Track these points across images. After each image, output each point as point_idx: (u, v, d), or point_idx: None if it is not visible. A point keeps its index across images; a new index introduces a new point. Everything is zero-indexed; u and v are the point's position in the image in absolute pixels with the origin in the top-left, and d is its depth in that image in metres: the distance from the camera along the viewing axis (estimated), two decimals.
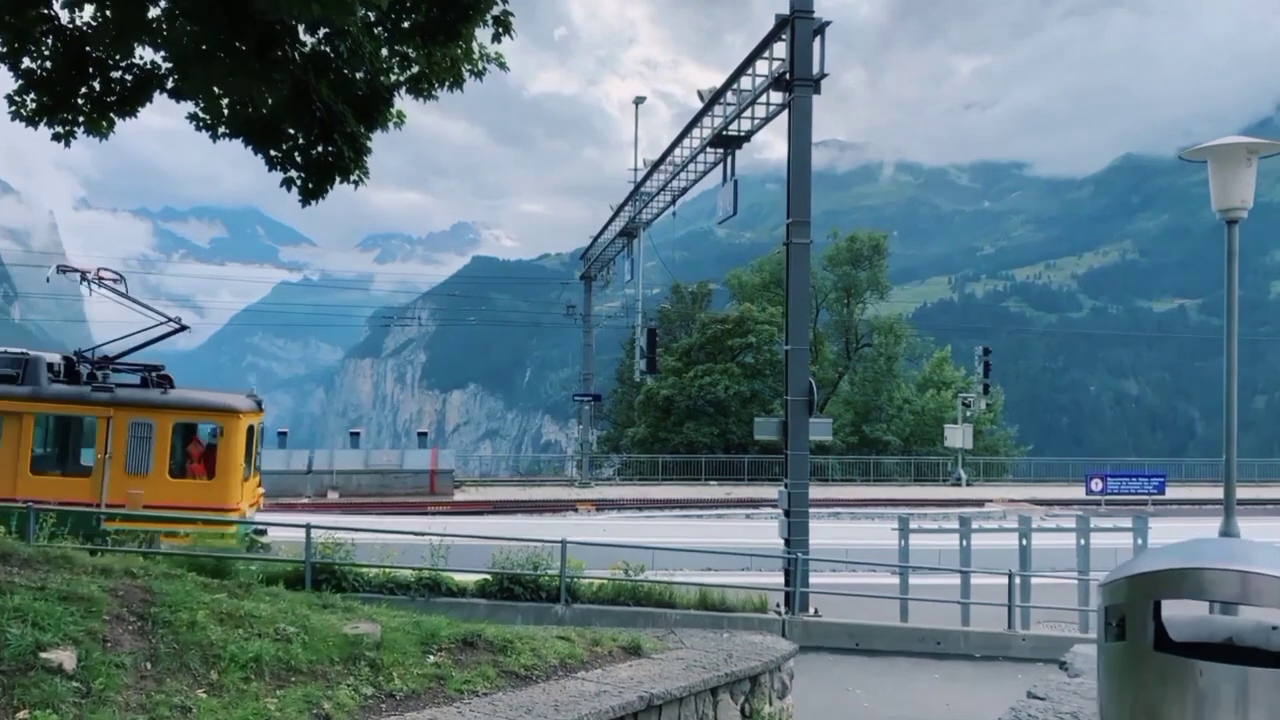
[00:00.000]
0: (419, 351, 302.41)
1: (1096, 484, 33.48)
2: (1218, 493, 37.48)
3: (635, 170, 26.01)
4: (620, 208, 26.92)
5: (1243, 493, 37.10)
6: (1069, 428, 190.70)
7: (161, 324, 17.18)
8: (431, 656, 6.15)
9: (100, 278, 17.01)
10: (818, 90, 13.31)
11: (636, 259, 27.07)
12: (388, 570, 12.19)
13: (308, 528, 11.95)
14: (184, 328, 17.58)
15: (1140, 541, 13.68)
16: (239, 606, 5.78)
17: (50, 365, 16.34)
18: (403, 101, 10.00)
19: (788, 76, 13.33)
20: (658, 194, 23.34)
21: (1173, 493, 34.91)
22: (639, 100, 30.38)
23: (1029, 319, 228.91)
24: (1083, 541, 13.59)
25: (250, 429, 16.27)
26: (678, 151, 20.61)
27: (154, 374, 16.70)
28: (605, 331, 51.53)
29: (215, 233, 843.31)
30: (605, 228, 29.58)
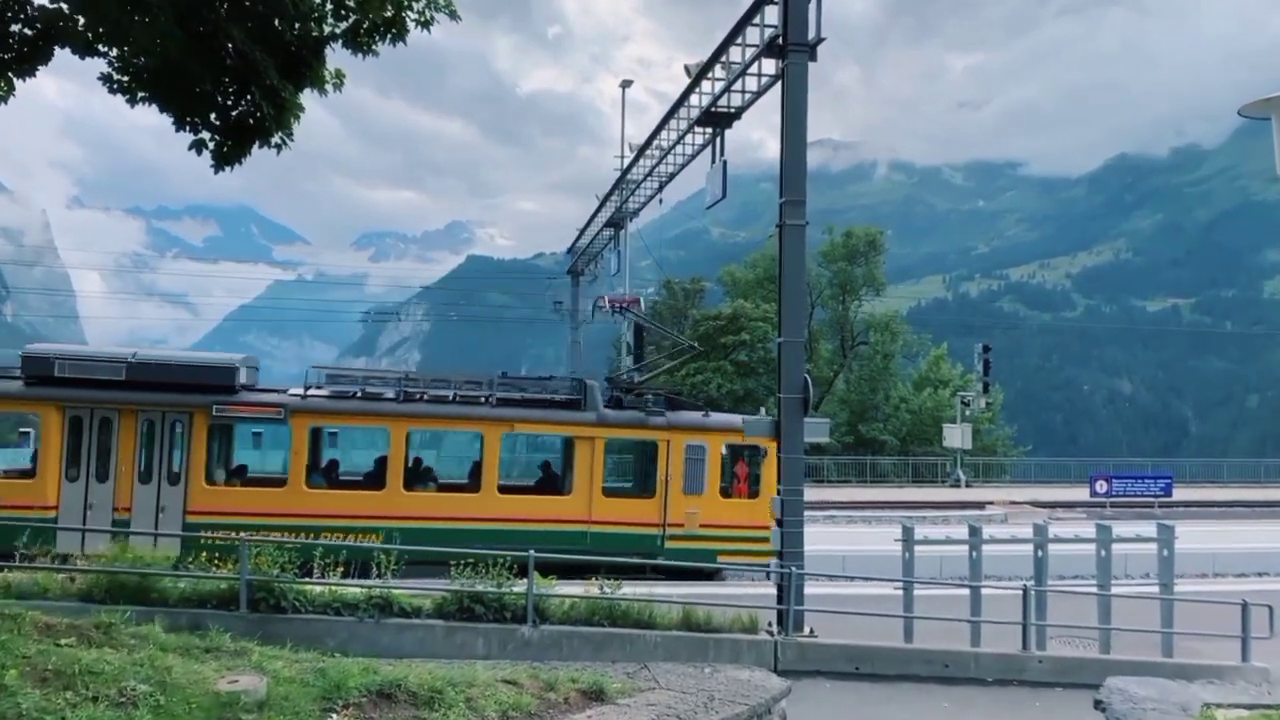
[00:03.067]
0: (413, 350, 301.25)
1: (1101, 485, 32.35)
2: (1221, 494, 36.53)
3: (621, 158, 24.84)
4: (606, 197, 25.66)
5: (1241, 495, 36.27)
6: (1063, 426, 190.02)
7: (682, 349, 18.84)
8: (334, 716, 4.92)
9: (625, 307, 18.76)
10: (813, 57, 12.07)
11: (623, 250, 25.83)
12: (334, 588, 10.90)
13: (244, 540, 10.68)
14: (701, 352, 18.58)
15: (1166, 553, 12.47)
16: (76, 660, 4.54)
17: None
18: (339, 57, 8.77)
19: (780, 42, 12.10)
20: (644, 180, 22.08)
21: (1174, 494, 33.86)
22: (625, 84, 29.16)
23: (1023, 318, 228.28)
24: (1103, 553, 12.38)
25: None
26: (664, 134, 19.36)
27: (666, 396, 17.75)
28: (597, 329, 50.26)
29: (209, 231, 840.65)
30: (591, 219, 28.32)
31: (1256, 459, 53.78)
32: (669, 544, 15.29)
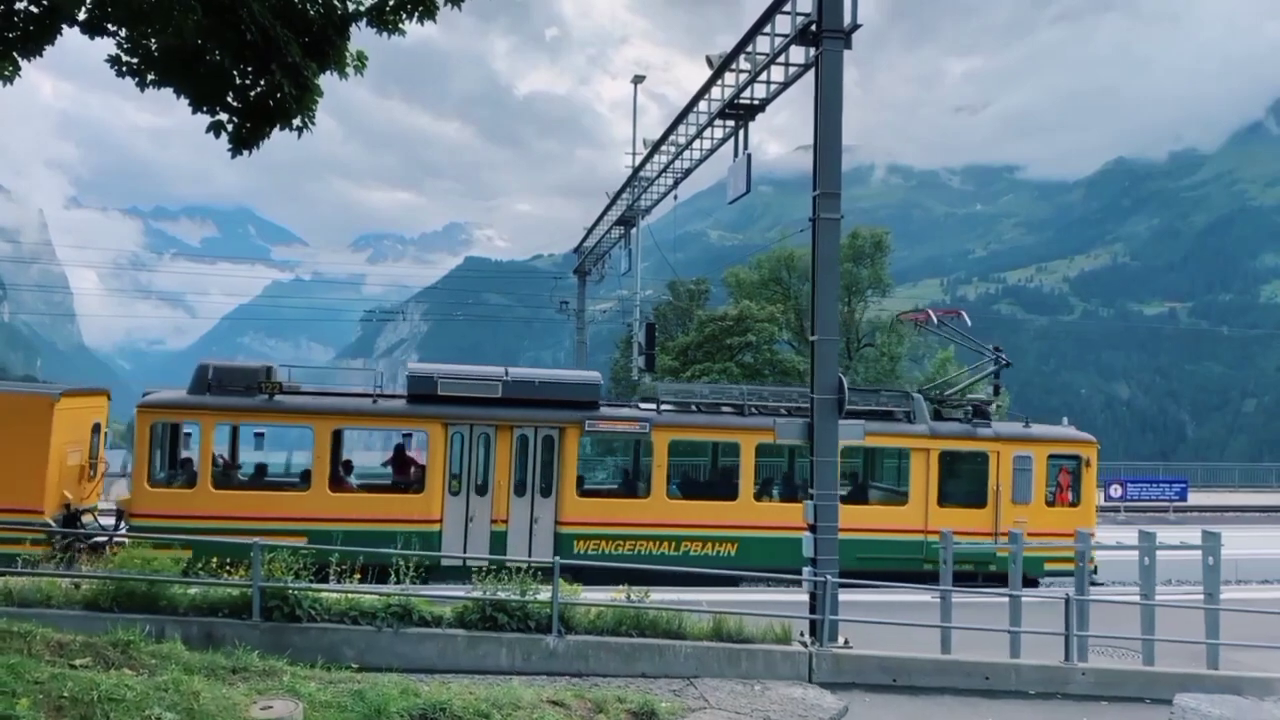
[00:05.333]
0: (411, 352, 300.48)
1: (1116, 490, 31.95)
2: (1234, 499, 36.07)
3: (633, 154, 24.34)
4: (618, 194, 25.18)
5: (1252, 500, 35.84)
6: None
7: (988, 361, 19.25)
8: None
9: (941, 320, 19.39)
10: (848, 44, 11.63)
11: (635, 248, 25.35)
12: (350, 596, 10.41)
13: (256, 544, 10.19)
14: (1007, 364, 19.68)
15: (1211, 561, 12.02)
16: (94, 685, 4.06)
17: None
18: (363, 36, 8.32)
19: (814, 29, 11.66)
20: (659, 176, 21.60)
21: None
22: (638, 79, 28.68)
23: (1021, 321, 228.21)
24: (1147, 561, 11.93)
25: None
26: (681, 129, 18.89)
27: (975, 407, 18.29)
28: (598, 331, 49.83)
29: (207, 232, 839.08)
30: (601, 217, 27.81)
31: (1261, 464, 53.34)
32: (1001, 554, 15.37)
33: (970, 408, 18.50)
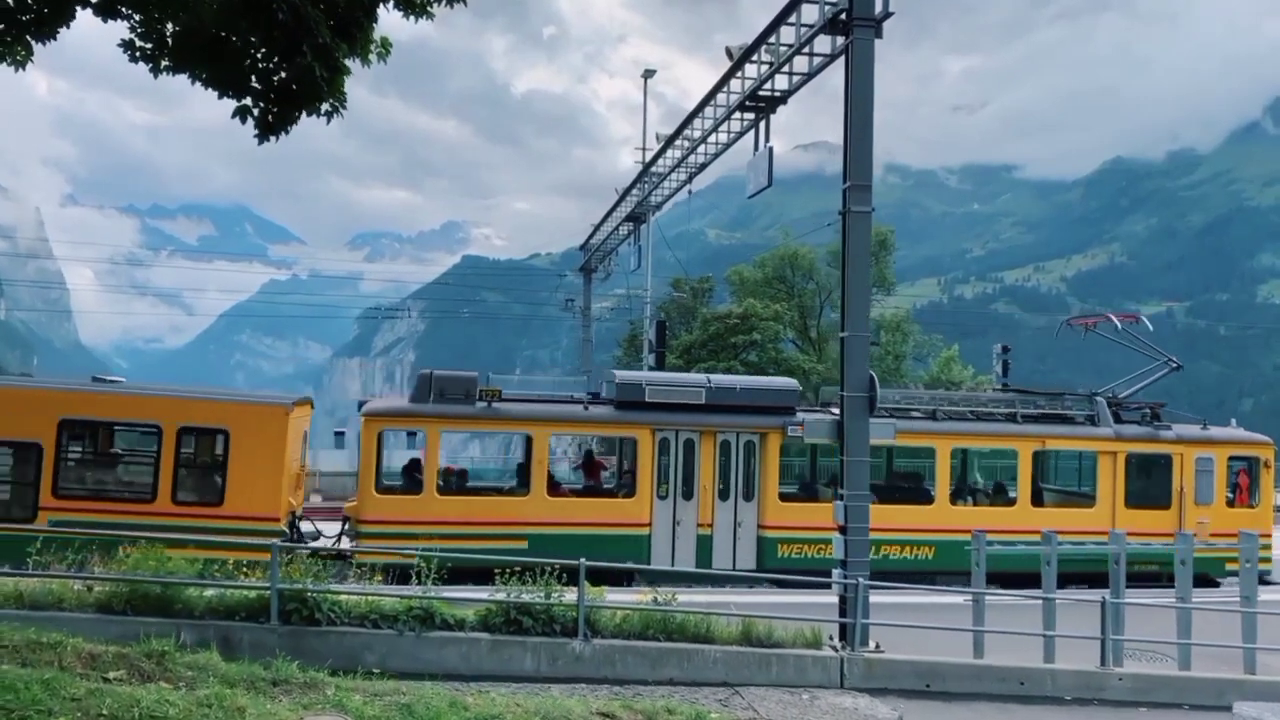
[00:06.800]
0: (408, 351, 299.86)
1: None
2: None
3: (643, 150, 24.05)
4: (627, 190, 24.85)
5: None
6: None
7: (1160, 364, 19.42)
8: None
9: (1122, 326, 19.71)
10: (879, 33, 11.34)
11: (645, 245, 25.05)
12: (370, 598, 10.12)
13: (275, 546, 9.89)
14: (1178, 367, 19.74)
15: (1249, 564, 11.77)
16: (134, 701, 3.76)
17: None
18: (390, 17, 8.04)
19: (844, 17, 11.37)
20: (672, 171, 21.30)
21: None
22: (648, 74, 28.37)
23: (1018, 321, 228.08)
24: (1184, 563, 11.66)
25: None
26: (696, 123, 18.60)
27: (1151, 409, 18.59)
28: (599, 329, 49.51)
29: (203, 230, 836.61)
30: (609, 213, 27.49)
31: None
32: (1200, 554, 15.25)
33: (1148, 410, 18.78)
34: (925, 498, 17.68)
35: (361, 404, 16.72)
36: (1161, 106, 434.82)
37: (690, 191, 21.97)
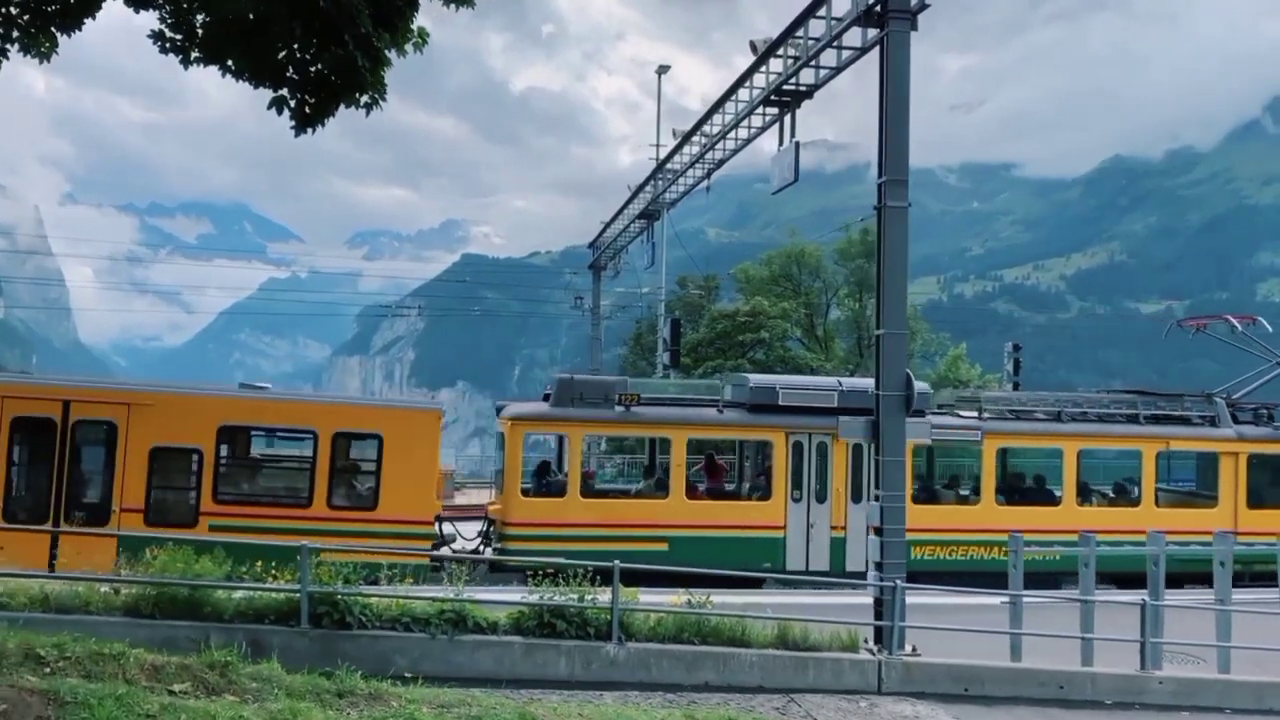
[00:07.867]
0: (407, 349, 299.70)
1: None
2: None
3: (656, 146, 23.84)
4: (641, 187, 24.64)
5: None
6: None
7: (1272, 365, 19.41)
8: None
9: (1240, 328, 19.74)
10: (914, 26, 11.18)
11: (660, 242, 24.84)
12: (401, 601, 9.93)
13: (304, 547, 9.69)
14: None
15: None
16: (209, 716, 3.57)
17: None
18: (431, 6, 7.83)
19: (879, 10, 11.19)
20: (690, 166, 21.08)
21: None
22: (662, 69, 28.16)
23: (1018, 319, 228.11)
24: (1223, 564, 11.49)
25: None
26: (717, 117, 18.41)
27: (1267, 410, 18.65)
28: (605, 327, 49.29)
29: (203, 229, 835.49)
30: (621, 210, 27.24)
31: None
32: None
33: (1264, 411, 18.84)
34: (1050, 499, 17.70)
35: (499, 408, 16.95)
36: (1160, 106, 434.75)
37: (708, 188, 21.79)
